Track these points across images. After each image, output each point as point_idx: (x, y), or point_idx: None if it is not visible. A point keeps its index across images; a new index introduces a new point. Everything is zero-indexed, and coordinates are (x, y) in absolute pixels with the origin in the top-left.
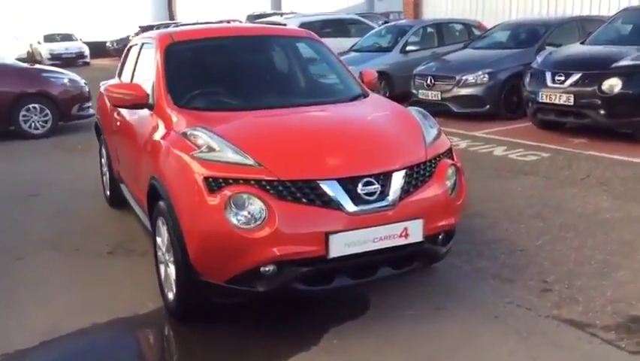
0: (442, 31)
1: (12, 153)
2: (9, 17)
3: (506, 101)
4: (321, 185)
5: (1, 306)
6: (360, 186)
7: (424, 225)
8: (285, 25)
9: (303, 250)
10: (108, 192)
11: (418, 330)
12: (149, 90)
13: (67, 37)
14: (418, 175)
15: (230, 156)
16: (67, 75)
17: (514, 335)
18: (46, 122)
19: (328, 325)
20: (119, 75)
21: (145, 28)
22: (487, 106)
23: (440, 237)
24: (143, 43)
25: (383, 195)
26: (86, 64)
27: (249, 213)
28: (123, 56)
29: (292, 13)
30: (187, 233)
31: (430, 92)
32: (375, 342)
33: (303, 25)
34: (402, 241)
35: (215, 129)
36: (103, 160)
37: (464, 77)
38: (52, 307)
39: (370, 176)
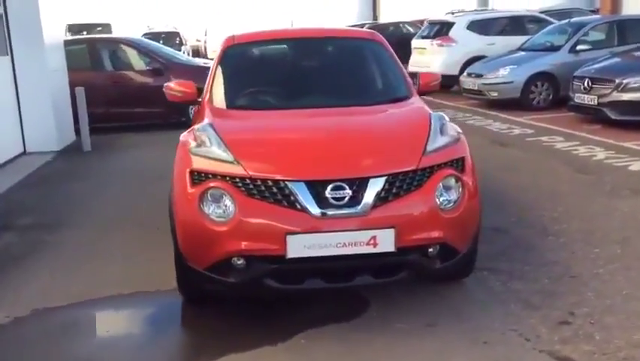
0: (625, 28)
1: (172, 141)
2: (232, 23)
3: None
4: (289, 185)
5: (58, 271)
6: (328, 190)
7: (396, 235)
8: (453, 23)
9: (263, 247)
10: None
11: (394, 345)
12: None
13: None
14: (403, 183)
15: (216, 152)
16: None
17: None
18: None
19: (311, 324)
20: None
21: None
22: None
23: (432, 250)
24: None
25: (355, 200)
26: None
27: (220, 207)
28: None
29: (485, 9)
30: (176, 220)
31: (586, 96)
32: (342, 350)
33: (472, 23)
34: (370, 250)
35: (217, 126)
36: None
37: (625, 81)
38: (97, 276)
39: (341, 181)
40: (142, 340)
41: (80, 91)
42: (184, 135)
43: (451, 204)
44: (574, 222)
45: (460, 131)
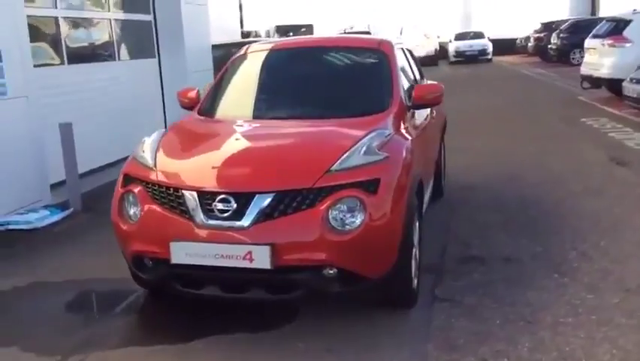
0: None
1: None
2: (424, 18)
3: None
4: (184, 194)
5: (84, 252)
6: (215, 202)
7: (273, 253)
8: (630, 21)
9: (152, 250)
10: None
11: None
12: None
13: (479, 36)
14: (293, 201)
15: (146, 158)
16: None
17: None
18: None
19: (222, 330)
20: None
21: (547, 25)
22: None
23: (331, 273)
24: None
25: (239, 214)
26: (488, 60)
27: (134, 209)
28: None
29: None
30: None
31: None
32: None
33: None
34: (246, 264)
35: (170, 133)
36: None
37: None
38: (112, 259)
39: (227, 194)
40: (91, 319)
41: None
42: None
43: (347, 227)
44: (600, 261)
45: (402, 152)
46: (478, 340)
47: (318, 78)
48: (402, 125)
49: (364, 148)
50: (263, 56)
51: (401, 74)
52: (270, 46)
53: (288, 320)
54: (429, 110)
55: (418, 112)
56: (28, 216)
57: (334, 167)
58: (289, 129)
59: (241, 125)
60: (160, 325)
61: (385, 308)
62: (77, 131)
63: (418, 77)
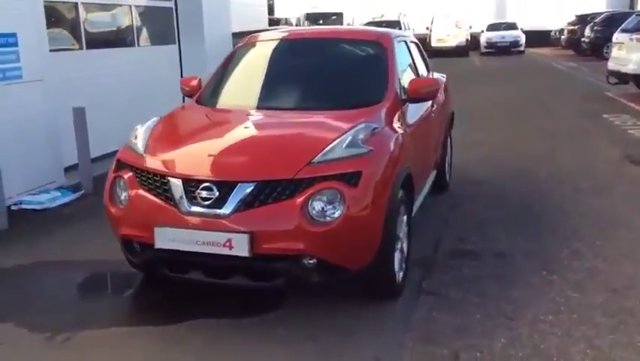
0: None
1: None
2: (456, 7)
3: None
4: (169, 181)
5: (91, 234)
6: (199, 189)
7: (251, 241)
8: None
9: (138, 235)
10: None
11: (252, 348)
12: None
13: (512, 27)
14: (273, 191)
15: (137, 144)
16: None
17: None
18: None
19: (208, 315)
20: None
21: (581, 18)
22: None
23: (311, 262)
24: None
25: (221, 202)
26: (521, 52)
27: (123, 194)
28: None
29: None
30: None
31: None
32: (207, 344)
33: None
34: (225, 252)
35: (164, 120)
36: None
37: None
38: (115, 241)
39: (210, 182)
40: (87, 298)
41: None
42: None
43: (327, 218)
44: (591, 260)
45: (389, 145)
46: (455, 334)
47: (315, 70)
48: (394, 119)
49: (348, 141)
50: (263, 47)
51: (399, 67)
52: (270, 36)
53: (274, 308)
54: (430, 103)
55: (417, 105)
56: (40, 197)
57: (316, 159)
58: (279, 120)
59: (232, 115)
60: (149, 307)
61: (370, 300)
62: (94, 116)
63: (423, 71)
